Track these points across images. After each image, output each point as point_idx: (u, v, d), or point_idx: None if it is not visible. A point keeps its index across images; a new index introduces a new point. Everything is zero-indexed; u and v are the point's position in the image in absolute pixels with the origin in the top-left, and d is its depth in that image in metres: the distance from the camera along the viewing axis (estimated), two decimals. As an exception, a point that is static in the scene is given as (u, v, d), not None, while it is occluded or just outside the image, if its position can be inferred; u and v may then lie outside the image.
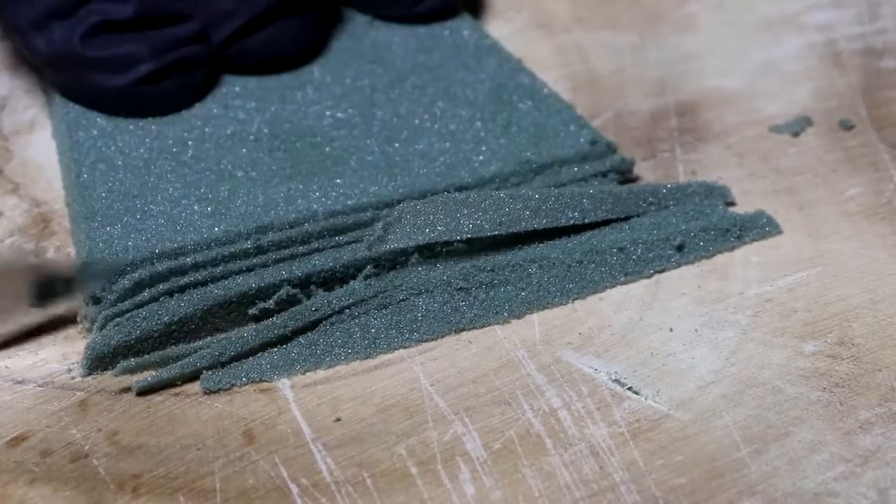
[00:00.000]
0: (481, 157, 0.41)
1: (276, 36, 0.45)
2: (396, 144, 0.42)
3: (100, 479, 0.31)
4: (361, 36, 0.48)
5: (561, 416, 0.33)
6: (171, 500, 0.31)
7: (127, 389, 0.34)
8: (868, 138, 0.45)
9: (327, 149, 0.42)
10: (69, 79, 0.43)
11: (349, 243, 0.38)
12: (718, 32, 0.52)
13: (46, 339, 0.36)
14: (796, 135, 0.45)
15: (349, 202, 0.39)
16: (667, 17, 0.53)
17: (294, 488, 0.31)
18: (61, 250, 0.39)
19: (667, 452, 0.32)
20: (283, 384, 0.34)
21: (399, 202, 0.39)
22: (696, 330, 0.36)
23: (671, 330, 0.36)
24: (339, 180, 0.40)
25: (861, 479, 0.31)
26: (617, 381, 0.34)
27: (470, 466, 0.31)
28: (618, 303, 0.37)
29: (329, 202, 0.39)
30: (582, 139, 0.42)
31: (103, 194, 0.39)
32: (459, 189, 0.40)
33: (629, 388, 0.34)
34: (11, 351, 0.35)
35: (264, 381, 0.34)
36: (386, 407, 0.33)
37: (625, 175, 0.42)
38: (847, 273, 0.38)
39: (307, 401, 0.34)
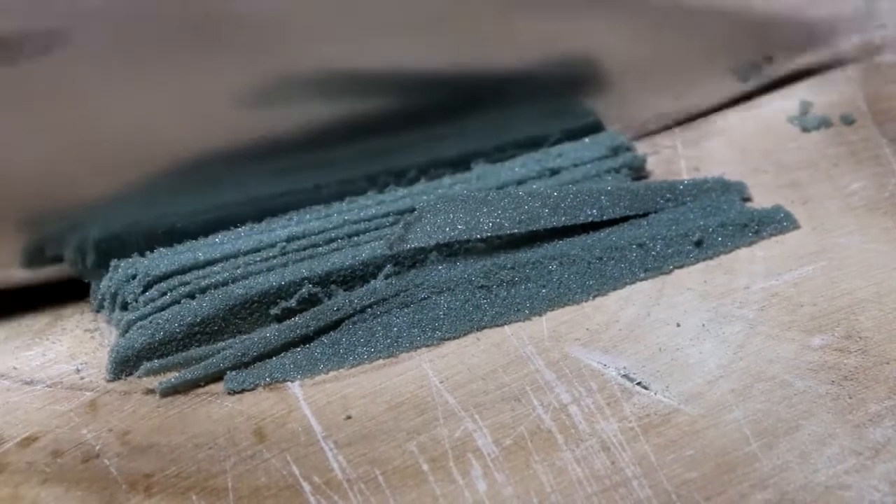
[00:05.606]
0: None
1: None
2: None
3: (112, 479, 0.31)
4: None
5: (571, 411, 0.33)
6: (184, 499, 0.31)
7: (136, 390, 0.34)
8: (869, 133, 0.45)
9: None
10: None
11: (368, 242, 0.38)
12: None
13: (54, 340, 0.36)
14: (806, 130, 0.45)
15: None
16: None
17: (306, 486, 0.31)
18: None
19: (678, 447, 0.32)
20: (293, 382, 0.34)
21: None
22: (703, 325, 0.36)
23: (678, 325, 0.36)
24: None
25: (872, 471, 0.31)
26: (626, 376, 0.34)
27: (481, 463, 0.31)
28: (624, 298, 0.37)
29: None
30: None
31: None
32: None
33: (638, 384, 0.34)
34: (19, 352, 0.35)
35: (288, 380, 0.34)
36: (396, 404, 0.33)
37: (637, 171, 0.42)
38: (852, 267, 0.38)
39: (317, 399, 0.34)
